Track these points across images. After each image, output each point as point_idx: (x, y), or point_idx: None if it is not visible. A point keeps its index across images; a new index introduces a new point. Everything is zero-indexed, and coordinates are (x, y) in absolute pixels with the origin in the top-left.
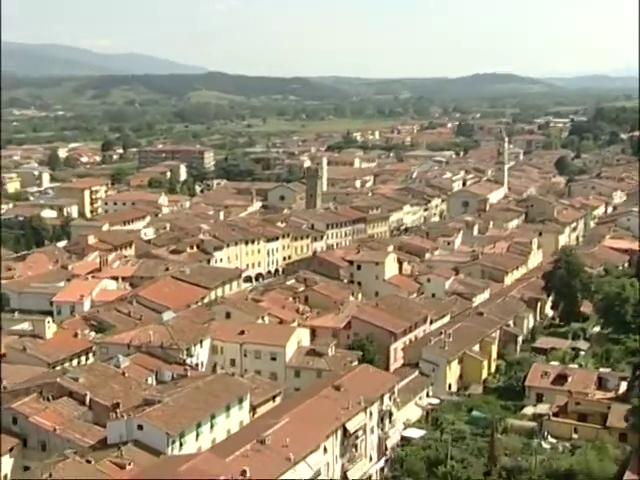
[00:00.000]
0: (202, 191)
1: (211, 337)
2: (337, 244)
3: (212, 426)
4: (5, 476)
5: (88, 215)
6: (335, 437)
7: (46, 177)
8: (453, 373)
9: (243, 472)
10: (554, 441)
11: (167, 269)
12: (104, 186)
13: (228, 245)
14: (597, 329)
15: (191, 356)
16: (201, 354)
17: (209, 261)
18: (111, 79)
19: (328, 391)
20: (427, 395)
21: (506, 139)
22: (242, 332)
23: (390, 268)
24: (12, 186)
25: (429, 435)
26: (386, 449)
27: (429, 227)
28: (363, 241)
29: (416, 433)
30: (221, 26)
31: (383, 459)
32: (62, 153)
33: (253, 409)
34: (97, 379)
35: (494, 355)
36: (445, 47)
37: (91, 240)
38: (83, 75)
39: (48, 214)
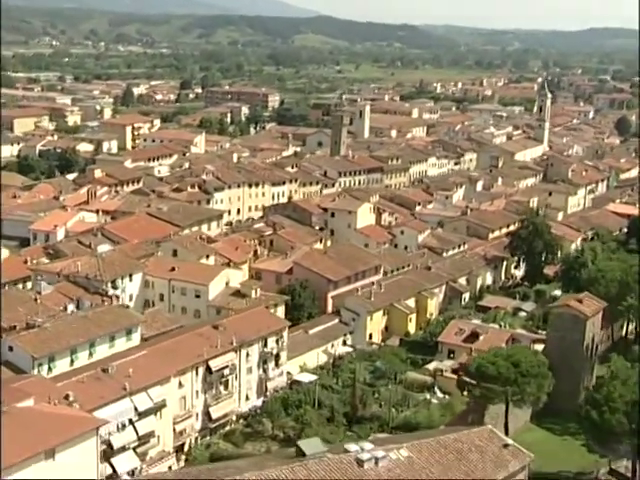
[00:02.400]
0: (257, 133)
1: (143, 272)
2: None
3: (91, 354)
4: None
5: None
6: (196, 373)
7: (108, 112)
8: (376, 324)
9: (66, 396)
10: (441, 396)
11: (149, 205)
12: (148, 123)
13: (230, 187)
14: (559, 292)
15: (115, 288)
16: (130, 287)
17: (209, 201)
18: (219, 19)
19: (206, 329)
20: (344, 343)
21: (549, 95)
22: (172, 269)
23: (364, 217)
24: (72, 119)
25: (322, 381)
26: (266, 390)
27: (432, 180)
28: (350, 189)
29: (306, 377)
30: None
31: (261, 399)
32: (141, 90)
33: (145, 341)
34: (8, 303)
35: (432, 310)
36: None
37: (98, 174)
38: (193, 14)
39: (84, 147)
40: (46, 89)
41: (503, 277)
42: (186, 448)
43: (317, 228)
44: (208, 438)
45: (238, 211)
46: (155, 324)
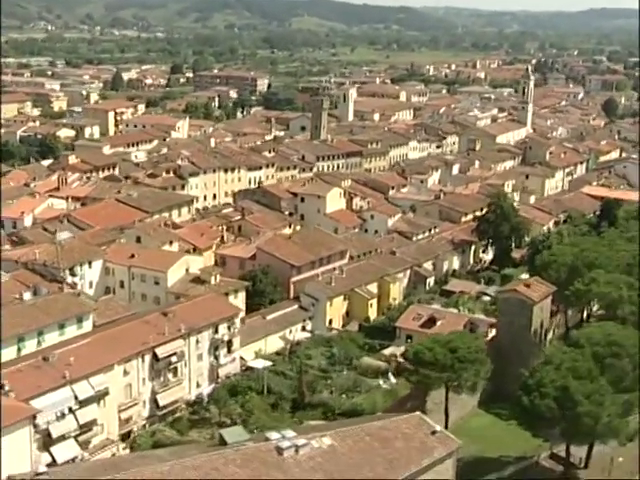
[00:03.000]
0: (244, 117)
1: (104, 259)
2: None
3: (39, 342)
4: None
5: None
6: (142, 361)
7: (94, 97)
8: (336, 309)
9: (1, 385)
10: (394, 382)
11: (119, 192)
12: (131, 108)
13: (205, 172)
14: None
15: (74, 275)
16: (90, 274)
17: (183, 187)
18: (216, 2)
19: (154, 317)
20: (303, 329)
21: (532, 77)
22: (132, 256)
23: (334, 202)
24: (57, 104)
25: (277, 367)
26: (217, 376)
27: (407, 164)
28: (322, 173)
29: (260, 364)
30: None
31: (212, 385)
32: (132, 75)
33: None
34: None
35: (395, 294)
36: None
37: (72, 160)
38: None
39: (65, 133)
40: (35, 74)
41: (472, 261)
42: (133, 436)
43: (286, 213)
44: (155, 425)
45: (214, 196)
46: (108, 312)
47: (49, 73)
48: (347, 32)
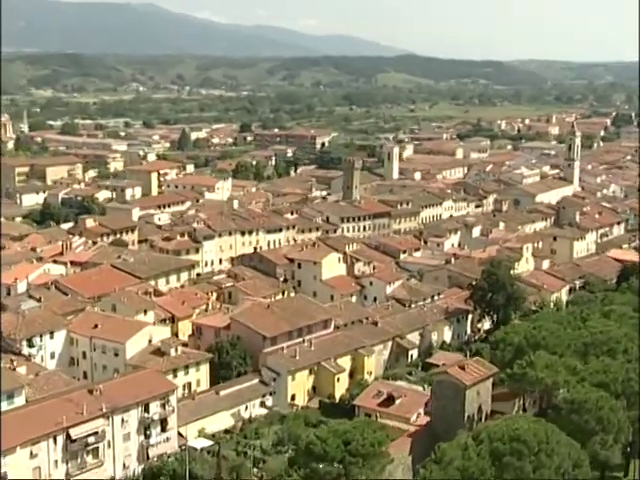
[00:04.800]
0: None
1: (67, 329)
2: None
3: None
4: None
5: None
6: (54, 442)
7: (151, 157)
8: (300, 384)
9: None
10: None
11: (119, 257)
12: (175, 169)
13: (220, 235)
14: None
15: (31, 346)
16: (52, 345)
17: (197, 250)
18: (304, 60)
19: (78, 394)
20: (262, 405)
21: (578, 133)
22: (96, 326)
23: (331, 268)
24: (114, 165)
25: (227, 446)
26: (148, 457)
27: (427, 226)
28: (326, 238)
29: (200, 444)
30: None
31: (140, 467)
32: (202, 134)
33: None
34: None
35: (371, 368)
36: None
37: (90, 223)
38: (280, 56)
39: (105, 195)
40: (108, 136)
41: (469, 331)
42: None
43: (281, 279)
44: None
45: (232, 260)
46: (47, 387)
47: (122, 134)
48: (432, 87)
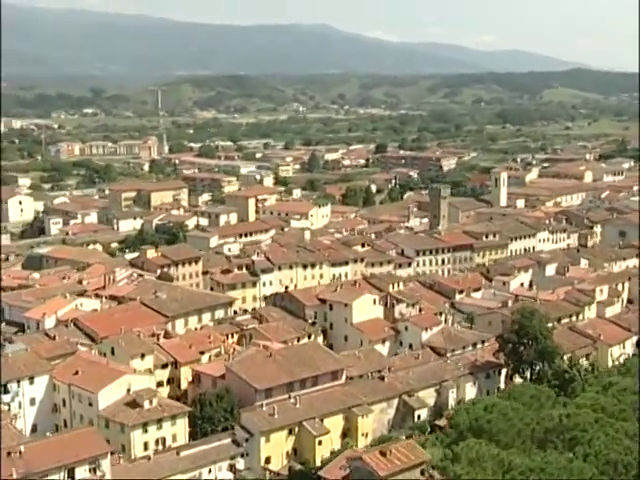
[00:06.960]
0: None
1: (50, 375)
2: (429, 272)
3: None
4: None
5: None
6: None
7: (269, 181)
8: (277, 446)
9: None
10: None
11: (155, 292)
12: (275, 194)
13: (280, 268)
14: None
15: (6, 392)
16: (32, 391)
17: (255, 284)
18: (466, 77)
19: None
20: (231, 468)
21: None
22: (76, 372)
23: (364, 310)
24: (228, 189)
25: None
26: None
27: (497, 263)
28: (371, 276)
29: None
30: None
31: None
32: (336, 155)
33: None
34: None
35: (366, 430)
36: None
37: (151, 254)
38: (441, 73)
39: (194, 221)
40: (244, 157)
41: (503, 388)
42: None
43: (309, 322)
44: None
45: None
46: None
47: (258, 155)
48: (600, 103)
